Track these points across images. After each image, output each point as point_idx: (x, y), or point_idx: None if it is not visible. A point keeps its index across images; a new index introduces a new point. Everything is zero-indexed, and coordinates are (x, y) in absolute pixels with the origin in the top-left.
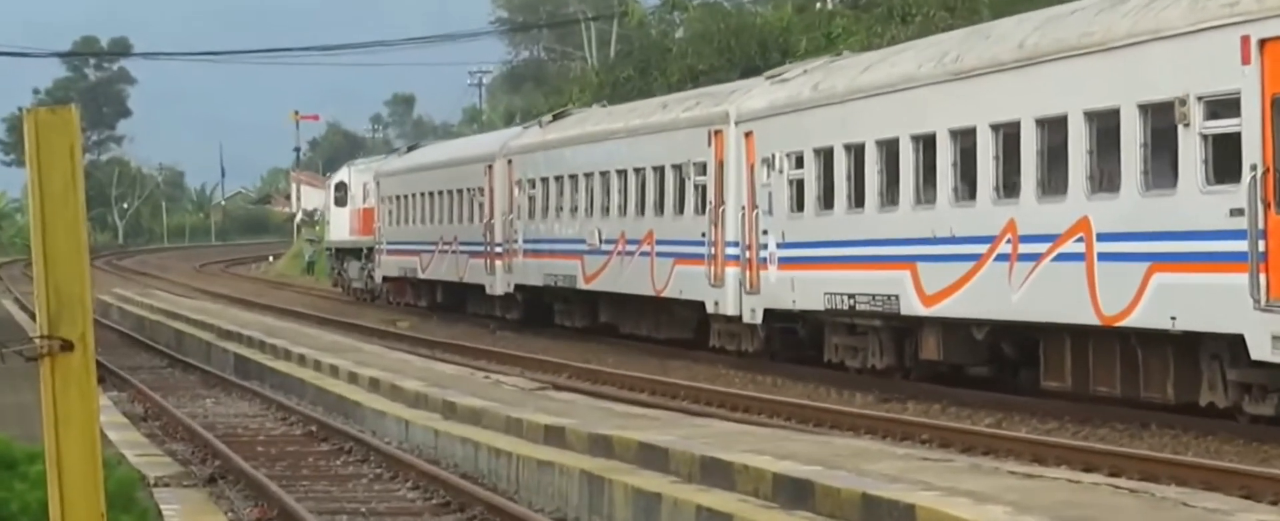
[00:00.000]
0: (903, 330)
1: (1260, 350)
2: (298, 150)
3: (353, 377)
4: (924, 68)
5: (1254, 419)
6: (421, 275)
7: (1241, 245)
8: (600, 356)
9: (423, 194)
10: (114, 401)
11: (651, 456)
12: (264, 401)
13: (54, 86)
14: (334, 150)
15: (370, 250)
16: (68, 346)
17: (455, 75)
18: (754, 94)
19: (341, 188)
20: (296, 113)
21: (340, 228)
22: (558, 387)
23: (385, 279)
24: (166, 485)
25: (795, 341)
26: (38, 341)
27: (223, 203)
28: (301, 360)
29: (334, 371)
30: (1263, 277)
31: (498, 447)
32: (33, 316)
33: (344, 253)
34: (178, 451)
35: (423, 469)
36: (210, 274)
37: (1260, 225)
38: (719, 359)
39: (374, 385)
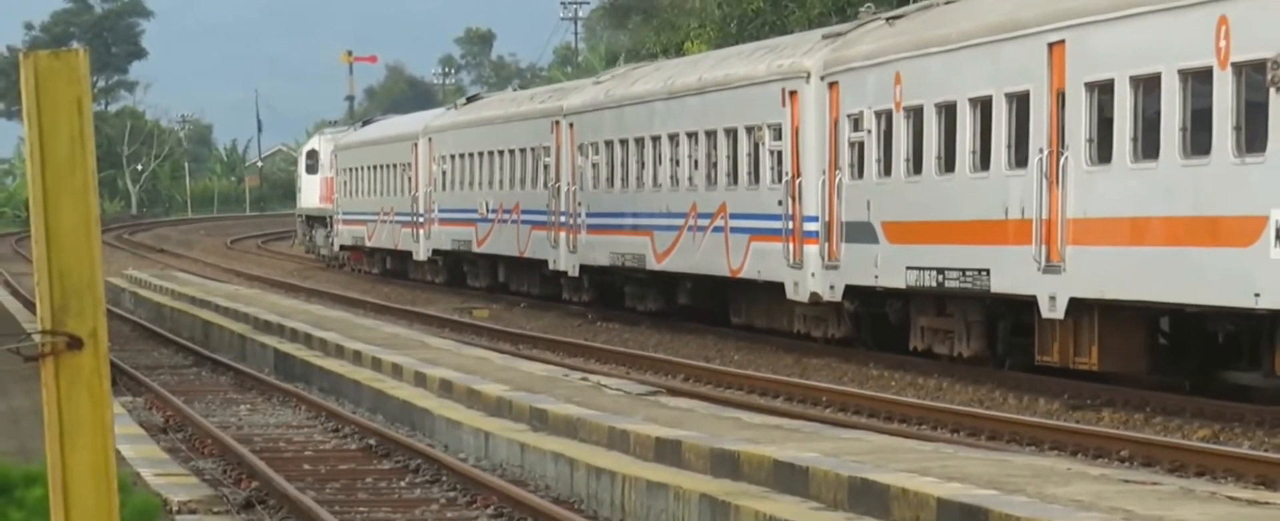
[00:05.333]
0: (669, 284)
1: (791, 293)
2: (351, 99)
3: (420, 379)
4: (656, 86)
5: (826, 340)
6: (368, 244)
7: (781, 224)
8: (724, 354)
9: (368, 167)
10: (128, 408)
11: (788, 477)
12: (311, 409)
13: (52, 21)
14: (395, 99)
15: (332, 218)
16: (76, 344)
17: (545, 6)
18: (581, 93)
19: (313, 155)
20: (350, 53)
21: (310, 195)
22: (673, 392)
23: (342, 247)
24: (192, 511)
25: (616, 294)
26: (39, 338)
27: (259, 163)
28: (357, 358)
29: (396, 371)
30: (791, 246)
31: (598, 466)
32: (27, 304)
33: (313, 219)
34: (206, 470)
35: (506, 491)
36: (244, 251)
37: (789, 212)
38: (871, 357)
39: (446, 388)
